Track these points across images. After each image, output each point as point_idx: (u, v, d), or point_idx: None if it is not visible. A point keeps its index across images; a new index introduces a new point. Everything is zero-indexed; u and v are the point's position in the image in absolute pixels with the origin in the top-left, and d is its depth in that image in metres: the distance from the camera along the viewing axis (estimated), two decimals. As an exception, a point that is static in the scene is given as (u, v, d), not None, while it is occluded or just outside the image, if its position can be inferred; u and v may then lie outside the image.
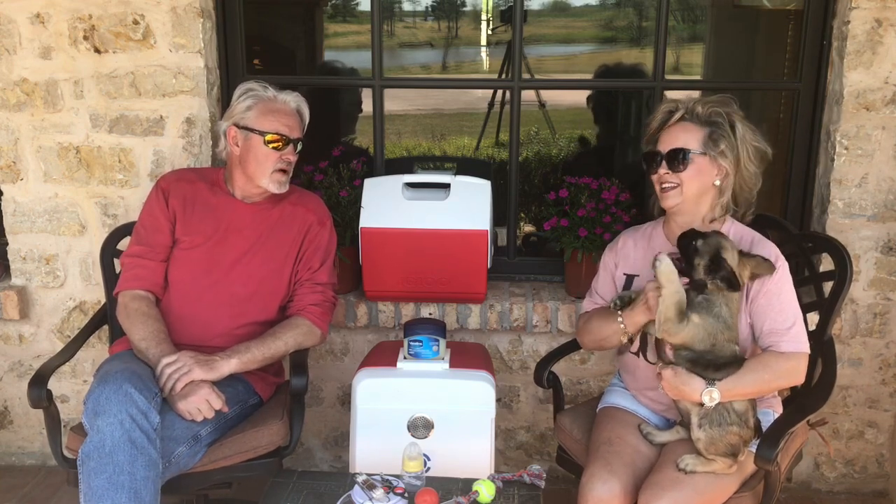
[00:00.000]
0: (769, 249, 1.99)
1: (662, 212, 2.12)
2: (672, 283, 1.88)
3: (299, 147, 2.33)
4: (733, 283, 1.86)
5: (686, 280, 1.91)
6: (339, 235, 2.58)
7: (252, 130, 2.26)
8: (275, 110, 2.28)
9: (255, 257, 2.33)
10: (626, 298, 2.03)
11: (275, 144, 2.26)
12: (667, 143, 2.00)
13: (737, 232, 2.05)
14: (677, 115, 2.01)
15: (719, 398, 1.87)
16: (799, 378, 1.96)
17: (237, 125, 2.29)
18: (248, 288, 2.31)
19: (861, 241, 2.64)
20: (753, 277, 1.93)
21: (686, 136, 1.98)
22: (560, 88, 4.42)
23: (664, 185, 2.01)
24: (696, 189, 2.00)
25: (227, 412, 2.14)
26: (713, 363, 1.89)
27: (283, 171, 2.29)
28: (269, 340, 2.24)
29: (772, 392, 2.06)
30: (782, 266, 1.98)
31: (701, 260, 1.89)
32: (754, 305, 1.96)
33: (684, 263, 1.92)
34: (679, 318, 1.87)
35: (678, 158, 1.97)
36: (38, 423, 2.96)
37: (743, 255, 1.92)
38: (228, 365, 2.14)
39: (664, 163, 1.99)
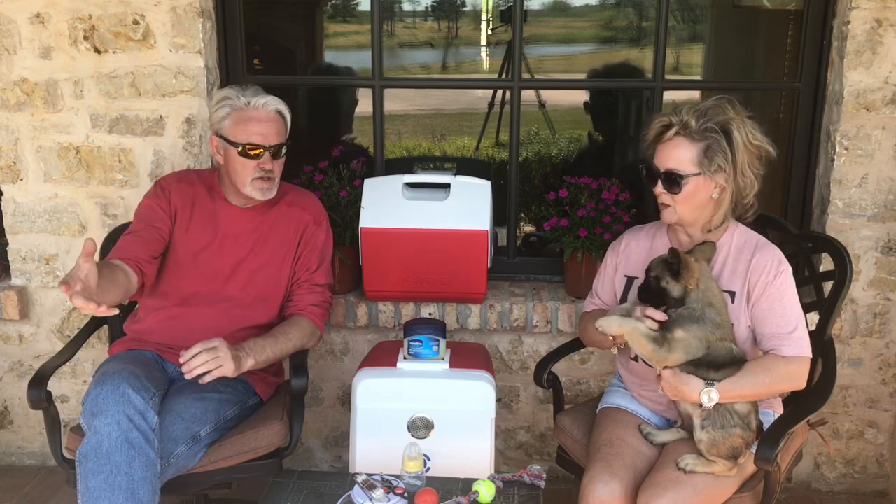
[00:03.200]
0: (772, 254, 1.99)
1: None
2: (625, 325, 1.92)
3: (284, 151, 2.28)
4: (674, 270, 1.89)
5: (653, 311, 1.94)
6: (339, 235, 2.59)
7: (228, 141, 2.23)
8: (248, 119, 2.22)
9: (254, 262, 2.32)
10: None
11: (251, 153, 2.21)
12: (662, 161, 1.97)
13: (741, 236, 2.04)
14: (671, 132, 1.95)
15: (718, 398, 1.87)
16: (800, 383, 1.95)
17: (217, 134, 2.27)
18: (247, 292, 2.31)
19: (861, 241, 2.64)
20: (706, 261, 1.96)
21: (680, 154, 1.93)
22: (560, 88, 4.41)
23: (661, 202, 2.01)
24: (690, 208, 1.98)
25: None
26: (712, 364, 1.89)
27: (264, 178, 2.24)
28: (280, 340, 2.23)
29: (772, 396, 2.06)
30: (785, 270, 1.97)
31: (661, 278, 1.92)
32: (756, 309, 1.96)
33: (659, 299, 1.95)
34: (657, 343, 1.89)
35: (672, 180, 1.95)
36: (38, 423, 2.95)
37: (688, 253, 1.95)
38: (247, 365, 2.13)
39: (659, 182, 1.97)
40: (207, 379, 2.04)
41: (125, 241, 2.24)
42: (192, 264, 2.30)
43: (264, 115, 2.24)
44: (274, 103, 2.27)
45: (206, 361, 2.03)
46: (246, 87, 2.28)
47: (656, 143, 1.99)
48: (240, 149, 2.21)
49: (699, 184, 1.94)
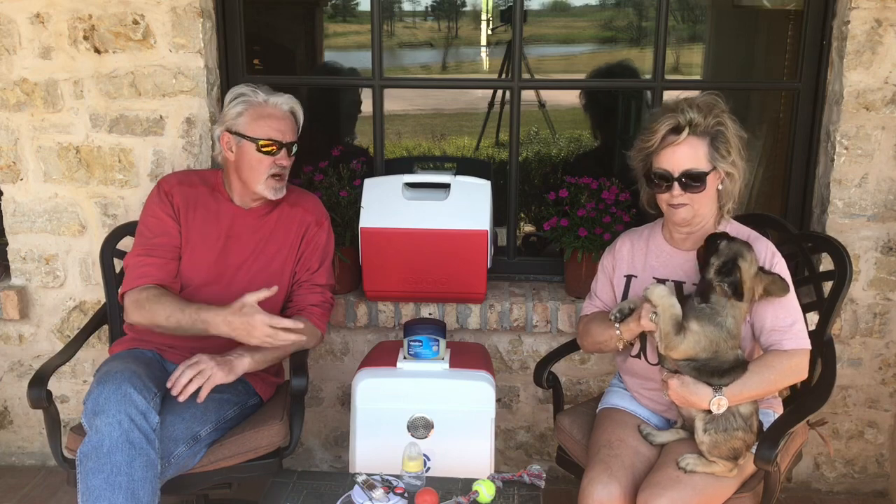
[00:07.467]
0: (766, 246, 2.00)
1: (655, 207, 2.12)
2: (664, 299, 1.89)
3: (294, 150, 2.32)
4: (737, 292, 1.86)
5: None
6: (339, 235, 2.59)
7: (244, 136, 2.24)
8: (266, 115, 2.25)
9: (257, 263, 2.32)
10: (626, 310, 2.02)
11: (267, 149, 2.23)
12: (675, 164, 1.94)
13: (733, 230, 2.06)
14: (684, 135, 1.93)
15: (727, 405, 1.88)
16: (803, 374, 1.97)
17: (230, 130, 2.27)
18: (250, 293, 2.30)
19: (861, 241, 2.64)
20: (766, 295, 1.93)
21: (695, 155, 1.94)
22: (560, 88, 4.42)
23: (675, 203, 1.98)
24: (707, 203, 2.00)
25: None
26: (718, 369, 1.89)
27: (278, 175, 2.27)
28: None
29: (777, 391, 2.06)
30: (780, 262, 1.99)
31: (717, 260, 1.89)
32: (754, 303, 1.96)
33: (700, 260, 1.94)
34: (676, 330, 1.88)
35: (694, 182, 1.94)
36: (38, 423, 2.96)
37: (762, 270, 1.93)
38: (243, 365, 2.13)
39: (676, 185, 1.95)
40: (203, 394, 2.05)
41: (146, 264, 2.25)
42: (195, 265, 2.30)
43: (281, 113, 2.28)
44: (289, 102, 2.32)
45: (193, 379, 2.04)
46: (258, 86, 2.31)
47: (662, 147, 1.96)
48: (258, 143, 2.23)
49: (712, 178, 1.97)
